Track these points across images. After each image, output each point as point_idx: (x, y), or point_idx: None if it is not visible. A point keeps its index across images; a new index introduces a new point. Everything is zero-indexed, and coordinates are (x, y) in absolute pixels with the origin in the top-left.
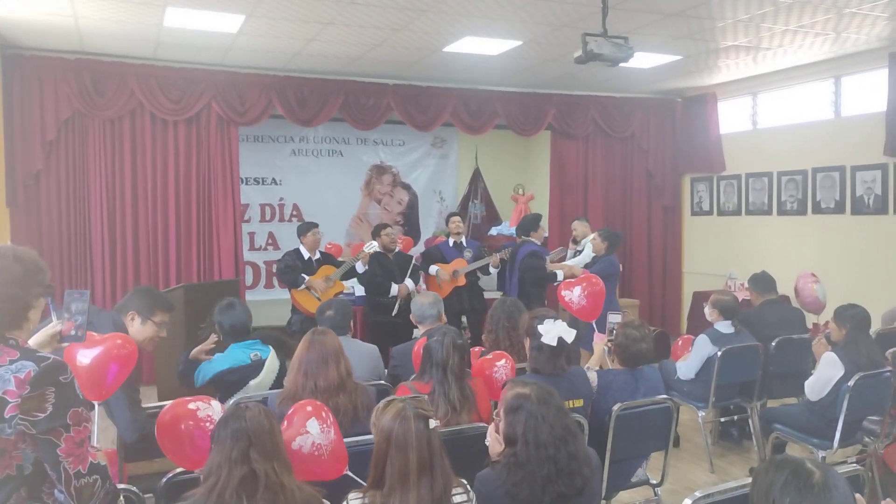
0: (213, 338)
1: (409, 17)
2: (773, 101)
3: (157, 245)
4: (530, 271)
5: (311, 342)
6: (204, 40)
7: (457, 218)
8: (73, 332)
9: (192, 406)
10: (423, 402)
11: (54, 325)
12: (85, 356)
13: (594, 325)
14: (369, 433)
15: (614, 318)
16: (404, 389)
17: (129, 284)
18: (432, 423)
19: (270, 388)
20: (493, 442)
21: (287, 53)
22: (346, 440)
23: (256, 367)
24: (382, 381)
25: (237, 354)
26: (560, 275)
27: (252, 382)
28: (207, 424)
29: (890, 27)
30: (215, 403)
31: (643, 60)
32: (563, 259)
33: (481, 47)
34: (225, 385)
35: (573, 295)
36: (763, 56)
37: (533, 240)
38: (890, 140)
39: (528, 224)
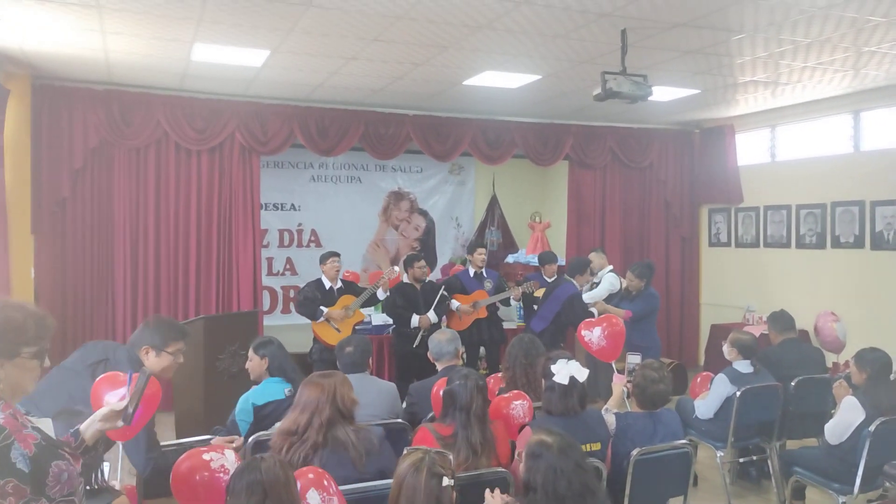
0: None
1: (430, 53)
2: (792, 133)
3: (178, 273)
4: (573, 314)
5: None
6: (229, 73)
7: (483, 249)
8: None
9: (206, 457)
10: (444, 458)
11: (120, 403)
12: (113, 396)
13: (614, 367)
14: (366, 475)
15: (634, 359)
16: (424, 432)
17: (150, 313)
18: (445, 482)
19: None
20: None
21: (310, 85)
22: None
23: (290, 401)
24: (399, 420)
25: (272, 388)
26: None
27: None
28: (222, 475)
29: None
30: (229, 453)
31: (661, 94)
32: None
33: (501, 81)
34: (259, 419)
35: (593, 335)
36: (782, 90)
37: (575, 282)
38: None
39: (578, 266)
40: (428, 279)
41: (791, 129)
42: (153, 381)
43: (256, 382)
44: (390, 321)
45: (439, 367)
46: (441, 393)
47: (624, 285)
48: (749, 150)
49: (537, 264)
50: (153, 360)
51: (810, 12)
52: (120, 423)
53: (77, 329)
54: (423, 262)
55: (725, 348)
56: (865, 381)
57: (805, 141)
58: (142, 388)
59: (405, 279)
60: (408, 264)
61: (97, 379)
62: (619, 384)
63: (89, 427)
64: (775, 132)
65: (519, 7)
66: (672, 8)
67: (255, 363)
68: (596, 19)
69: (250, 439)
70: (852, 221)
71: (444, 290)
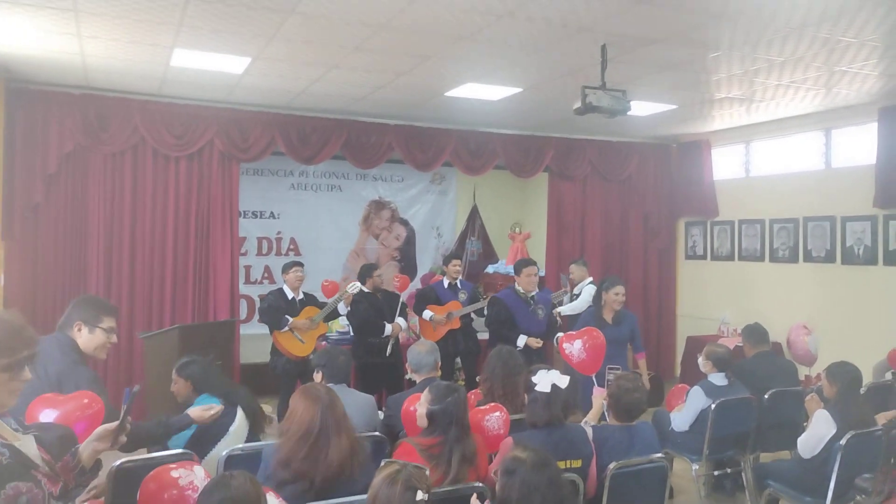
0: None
1: (412, 63)
2: (766, 149)
3: (153, 281)
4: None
5: (318, 405)
6: (210, 79)
7: (458, 261)
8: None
9: (174, 474)
10: (421, 472)
11: (113, 424)
12: (48, 416)
13: (594, 379)
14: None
15: (614, 372)
16: (406, 446)
17: (124, 323)
18: (420, 496)
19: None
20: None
21: (291, 93)
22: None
23: (231, 409)
24: (377, 433)
25: (208, 402)
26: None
27: (232, 428)
28: (190, 493)
29: (879, 84)
30: (198, 469)
31: (640, 109)
32: (560, 303)
33: (482, 93)
34: (206, 437)
35: (573, 348)
36: (756, 107)
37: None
38: (879, 192)
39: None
40: (382, 287)
41: (765, 144)
42: (95, 399)
43: (184, 405)
44: (349, 332)
45: (417, 378)
46: (431, 410)
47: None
48: (724, 164)
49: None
50: (86, 338)
51: (784, 31)
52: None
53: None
54: (380, 271)
55: (700, 361)
56: (836, 394)
57: (778, 157)
58: (129, 406)
59: (364, 290)
60: (366, 274)
61: (33, 400)
62: (599, 397)
63: (86, 448)
64: (750, 148)
65: (501, 20)
66: (651, 24)
67: (179, 385)
68: (576, 34)
69: (223, 453)
70: (823, 236)
71: (418, 300)
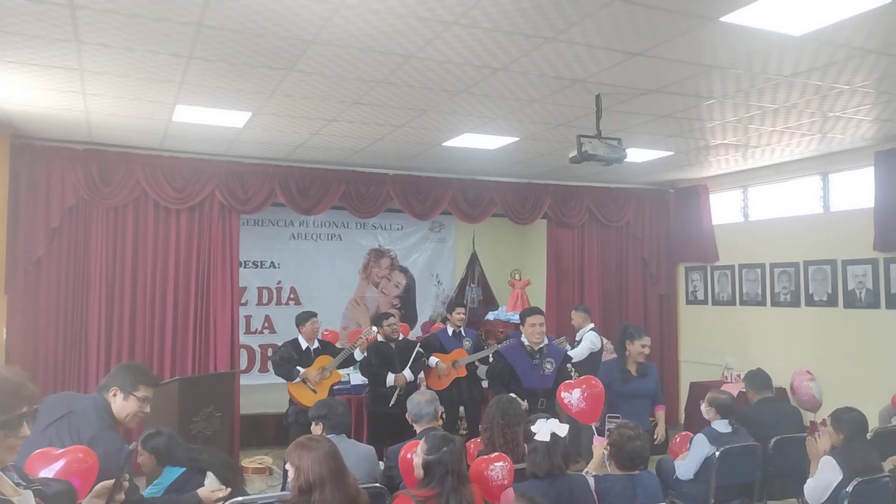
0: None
1: (410, 116)
2: (764, 194)
3: (154, 333)
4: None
5: (324, 453)
6: (210, 133)
7: (462, 309)
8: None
9: None
10: None
11: (110, 481)
12: (46, 473)
13: (594, 429)
14: None
15: (614, 421)
16: (403, 498)
17: None
18: None
19: None
20: None
21: (290, 145)
22: None
23: (198, 475)
24: (377, 484)
25: (173, 471)
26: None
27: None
28: None
29: (874, 128)
30: None
31: (636, 155)
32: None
33: (479, 142)
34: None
35: (572, 397)
36: (752, 153)
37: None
38: (879, 236)
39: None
40: (403, 337)
41: (763, 189)
42: (89, 454)
43: (151, 477)
44: (350, 381)
45: (418, 428)
46: (426, 460)
47: (605, 344)
48: (723, 209)
49: (518, 322)
50: (119, 404)
51: (776, 80)
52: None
53: (48, 392)
54: (392, 320)
55: (703, 408)
56: (842, 441)
57: (776, 201)
58: (125, 464)
59: (380, 338)
60: (377, 323)
61: (32, 454)
62: (599, 446)
63: None
64: (747, 192)
65: (496, 73)
66: (643, 75)
67: (144, 458)
68: (570, 85)
69: None
70: (825, 280)
71: (420, 347)
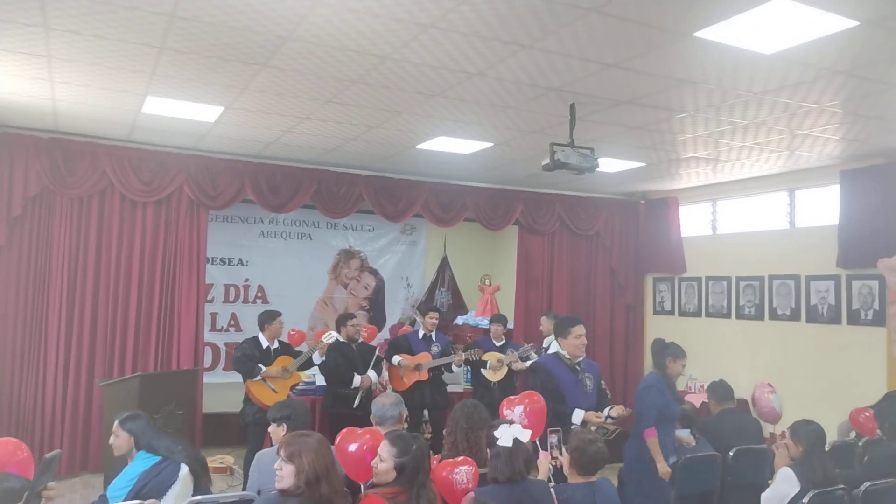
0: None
1: (384, 117)
2: (732, 208)
3: (116, 327)
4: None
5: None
6: (181, 126)
7: (435, 314)
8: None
9: None
10: None
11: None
12: None
13: (538, 444)
14: None
15: (554, 436)
16: (374, 498)
17: (84, 370)
18: None
19: None
20: None
21: (262, 142)
22: None
23: (174, 465)
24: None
25: (147, 457)
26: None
27: (175, 484)
28: None
29: (841, 147)
30: None
31: (608, 166)
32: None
33: (453, 146)
34: (149, 493)
35: (514, 413)
36: (722, 167)
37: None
38: (842, 253)
39: (663, 351)
40: (361, 340)
41: (731, 203)
42: (19, 446)
43: (121, 460)
44: (315, 382)
45: (382, 430)
46: (399, 462)
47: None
48: (692, 222)
49: (487, 326)
50: None
51: (746, 97)
52: None
53: (3, 388)
54: (356, 321)
55: None
56: (801, 453)
57: (744, 215)
58: (43, 471)
59: (340, 339)
60: (341, 323)
61: None
62: (544, 461)
63: None
64: (716, 206)
65: (471, 78)
66: (617, 87)
67: (121, 440)
68: (545, 93)
69: None
70: (788, 294)
71: (388, 347)
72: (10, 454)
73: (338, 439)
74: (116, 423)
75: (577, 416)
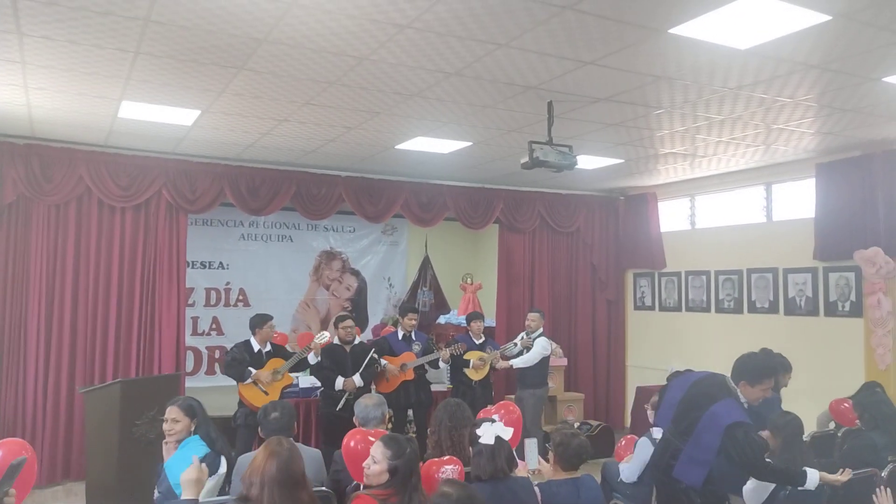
0: None
1: (363, 118)
2: (710, 203)
3: (96, 334)
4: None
5: (276, 459)
6: (158, 130)
7: (414, 315)
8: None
9: None
10: None
11: None
12: None
13: (514, 454)
14: None
15: (531, 444)
16: (365, 499)
17: (64, 377)
18: None
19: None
20: None
21: (241, 145)
22: None
23: (218, 459)
24: (324, 488)
25: (198, 445)
26: (811, 478)
27: (220, 471)
28: None
29: (816, 141)
30: None
31: (587, 162)
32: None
33: (432, 146)
34: None
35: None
36: (699, 162)
37: (740, 396)
38: (818, 245)
39: (751, 370)
40: (358, 340)
41: (709, 198)
42: (23, 446)
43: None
44: (318, 384)
45: None
46: (393, 465)
47: (555, 349)
48: (671, 217)
49: (466, 325)
50: None
51: (722, 92)
52: None
53: None
54: (348, 323)
55: (648, 411)
56: (780, 445)
57: (722, 210)
58: (7, 477)
59: (335, 340)
60: (334, 325)
61: None
62: (522, 471)
63: None
64: (695, 201)
65: (449, 78)
66: (594, 84)
67: (182, 424)
68: (523, 91)
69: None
70: (767, 288)
71: (374, 351)
72: (16, 454)
73: (346, 440)
74: (173, 406)
75: (812, 476)
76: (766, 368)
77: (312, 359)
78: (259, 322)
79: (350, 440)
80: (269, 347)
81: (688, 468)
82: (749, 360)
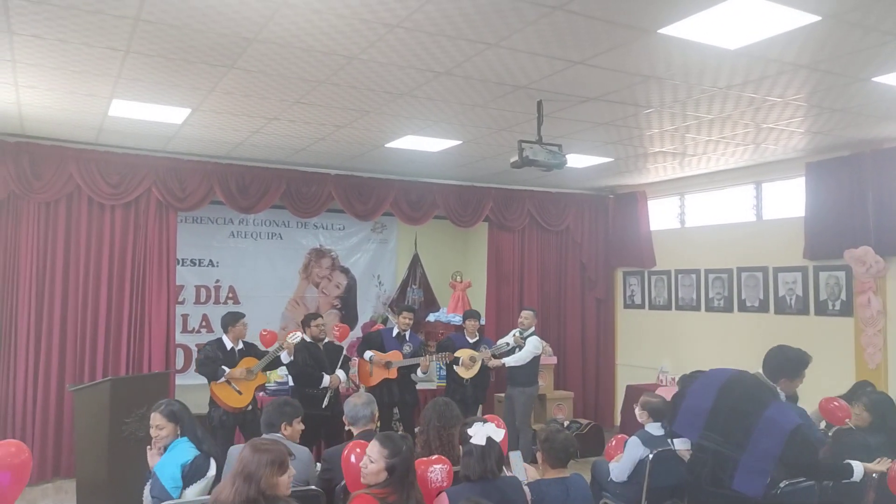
0: None
1: (352, 117)
2: (700, 201)
3: (86, 331)
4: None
5: (249, 453)
6: (148, 129)
7: (410, 314)
8: None
9: None
10: None
11: None
12: None
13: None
14: None
15: (516, 457)
16: (366, 498)
17: (54, 374)
18: None
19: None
20: None
21: (230, 143)
22: None
23: (207, 461)
24: (313, 487)
25: (186, 447)
26: (857, 469)
27: (209, 474)
28: None
29: (806, 140)
30: None
31: (576, 161)
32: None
33: (422, 145)
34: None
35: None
36: (689, 161)
37: (782, 393)
38: (808, 244)
39: (791, 365)
40: (328, 339)
41: (699, 197)
42: (21, 448)
43: (160, 449)
44: (288, 382)
45: (355, 431)
46: (390, 463)
47: (545, 348)
48: (660, 215)
49: (459, 323)
50: None
51: (711, 91)
52: None
53: None
54: (320, 321)
55: (637, 411)
56: None
57: (712, 209)
58: None
59: (305, 339)
60: (305, 324)
61: None
62: None
63: None
64: (684, 200)
65: (438, 77)
66: (583, 84)
67: (167, 430)
68: (512, 91)
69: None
70: (757, 286)
71: (363, 342)
72: (13, 456)
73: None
74: (156, 413)
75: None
76: (801, 361)
77: (286, 357)
78: (232, 320)
79: (350, 455)
80: (241, 346)
81: (748, 479)
82: (783, 354)
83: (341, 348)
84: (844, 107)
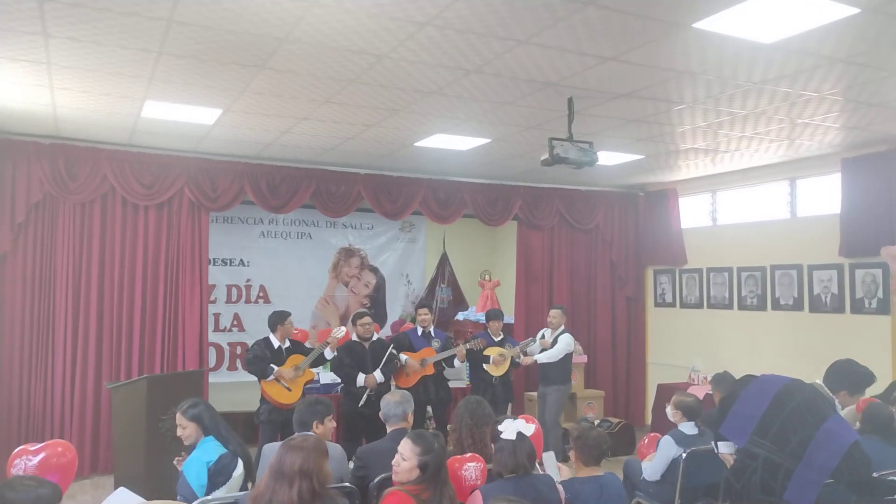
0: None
1: (382, 116)
2: (732, 198)
3: (122, 330)
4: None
5: (282, 453)
6: (180, 129)
7: (424, 310)
8: None
9: None
10: None
11: None
12: (26, 468)
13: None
14: None
15: (549, 458)
16: (399, 495)
17: (91, 372)
18: None
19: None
20: None
21: (261, 143)
22: None
23: (235, 460)
24: (346, 484)
25: (212, 446)
26: None
27: (235, 474)
28: None
29: (841, 135)
30: None
31: (607, 159)
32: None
33: (451, 143)
34: (214, 482)
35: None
36: (721, 158)
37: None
38: (844, 241)
39: (855, 380)
40: (377, 336)
41: (731, 194)
42: (68, 448)
43: (191, 448)
44: (339, 380)
45: (389, 428)
46: (423, 460)
47: (576, 347)
48: (692, 213)
49: (485, 321)
50: None
51: (745, 87)
52: None
53: (13, 392)
54: (366, 320)
55: (669, 410)
56: None
57: (744, 206)
58: None
59: (354, 337)
60: (353, 322)
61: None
62: None
63: None
64: (716, 197)
65: (468, 75)
66: (615, 80)
67: (189, 429)
68: (542, 88)
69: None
70: (791, 284)
71: (393, 348)
72: (59, 455)
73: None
74: (178, 414)
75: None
76: (868, 378)
77: (329, 353)
78: (279, 319)
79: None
80: (287, 344)
81: (801, 490)
82: (852, 368)
83: (388, 345)
84: (882, 101)
